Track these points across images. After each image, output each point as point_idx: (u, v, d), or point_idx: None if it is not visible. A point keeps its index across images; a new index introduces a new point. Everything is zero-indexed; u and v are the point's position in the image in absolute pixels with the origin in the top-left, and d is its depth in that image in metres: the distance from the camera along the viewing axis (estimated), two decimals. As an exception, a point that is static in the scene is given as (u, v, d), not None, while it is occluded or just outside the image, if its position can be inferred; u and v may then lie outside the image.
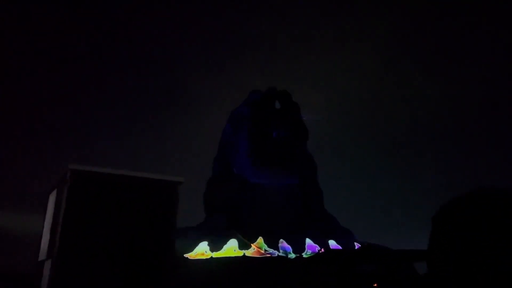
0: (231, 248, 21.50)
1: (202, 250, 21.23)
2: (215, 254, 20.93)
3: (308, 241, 22.66)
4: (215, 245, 21.53)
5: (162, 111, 56.94)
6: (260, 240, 22.09)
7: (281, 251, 21.97)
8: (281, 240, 22.41)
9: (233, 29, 58.05)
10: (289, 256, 21.67)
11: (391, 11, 56.63)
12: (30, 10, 49.76)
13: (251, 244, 21.78)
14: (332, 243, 23.16)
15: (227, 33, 58.40)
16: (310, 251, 22.11)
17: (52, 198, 15.57)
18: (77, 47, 52.92)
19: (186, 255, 20.55)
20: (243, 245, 21.66)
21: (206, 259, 20.51)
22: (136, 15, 56.91)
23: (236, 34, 58.35)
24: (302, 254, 21.85)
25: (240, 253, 21.24)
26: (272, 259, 20.96)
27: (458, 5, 52.77)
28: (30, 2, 49.04)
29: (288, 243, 22.33)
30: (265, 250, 21.71)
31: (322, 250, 22.13)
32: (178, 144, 52.34)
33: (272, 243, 22.15)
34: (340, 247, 22.91)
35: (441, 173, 50.31)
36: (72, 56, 52.81)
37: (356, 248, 22.95)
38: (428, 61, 57.08)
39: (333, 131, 46.94)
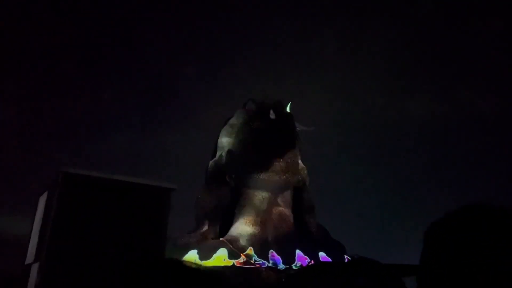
0: (220, 257, 21.35)
1: (191, 259, 21.05)
2: (204, 263, 20.77)
3: (298, 252, 22.58)
4: (205, 254, 21.36)
5: (157, 116, 56.82)
6: (250, 250, 21.97)
7: (270, 261, 21.85)
8: (271, 250, 22.31)
9: (232, 35, 58.33)
10: (279, 267, 21.57)
11: (397, 17, 57.21)
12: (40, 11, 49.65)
13: (241, 254, 21.64)
14: (322, 255, 23.10)
15: (226, 39, 58.66)
16: (300, 263, 22.02)
17: (42, 201, 15.38)
18: (77, 48, 52.84)
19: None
20: (232, 255, 21.52)
21: (195, 267, 20.33)
22: (135, 16, 57.07)
23: (235, 41, 58.65)
24: (292, 265, 21.75)
25: (229, 262, 21.08)
26: (261, 269, 20.83)
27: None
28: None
29: (278, 254, 22.22)
30: (255, 261, 21.58)
31: (312, 262, 22.06)
32: (171, 150, 52.17)
33: (262, 253, 22.04)
34: (330, 260, 22.85)
35: (435, 187, 50.52)
36: (68, 57, 52.66)
37: (346, 261, 22.91)
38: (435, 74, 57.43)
39: (327, 142, 47.05)
